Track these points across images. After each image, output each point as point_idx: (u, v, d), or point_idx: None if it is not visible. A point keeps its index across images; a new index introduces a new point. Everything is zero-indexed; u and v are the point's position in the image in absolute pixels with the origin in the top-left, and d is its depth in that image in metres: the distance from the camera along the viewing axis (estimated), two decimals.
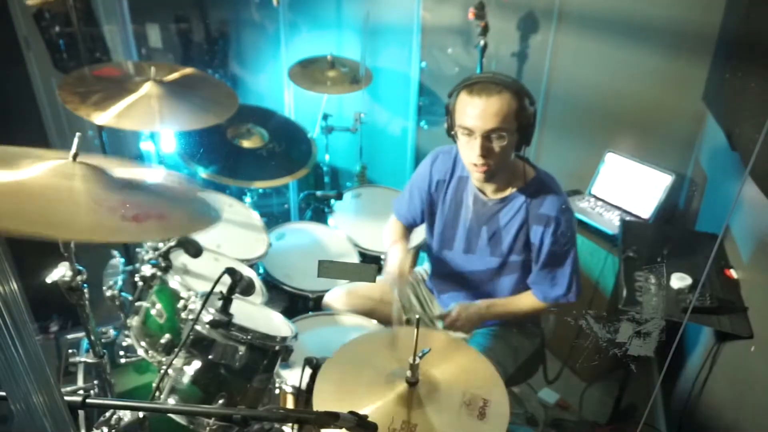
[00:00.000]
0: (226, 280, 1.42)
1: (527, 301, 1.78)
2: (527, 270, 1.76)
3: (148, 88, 2.01)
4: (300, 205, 3.22)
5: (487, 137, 1.54)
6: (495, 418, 1.22)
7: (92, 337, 1.56)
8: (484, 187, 1.73)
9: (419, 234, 2.15)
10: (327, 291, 2.05)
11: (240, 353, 1.48)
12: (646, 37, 2.28)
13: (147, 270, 1.74)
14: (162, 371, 1.49)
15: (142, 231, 1.08)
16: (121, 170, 1.28)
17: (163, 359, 1.62)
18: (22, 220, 0.97)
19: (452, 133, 1.63)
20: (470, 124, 1.54)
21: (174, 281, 1.69)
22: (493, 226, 1.73)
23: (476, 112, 1.52)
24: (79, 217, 1.03)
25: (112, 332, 2.09)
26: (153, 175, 1.41)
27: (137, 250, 1.95)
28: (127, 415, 1.64)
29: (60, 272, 1.37)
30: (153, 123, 2.00)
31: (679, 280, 1.74)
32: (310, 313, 1.97)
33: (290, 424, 1.49)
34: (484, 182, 1.69)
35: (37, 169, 1.11)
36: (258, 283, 2.03)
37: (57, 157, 1.17)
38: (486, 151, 1.55)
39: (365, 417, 0.98)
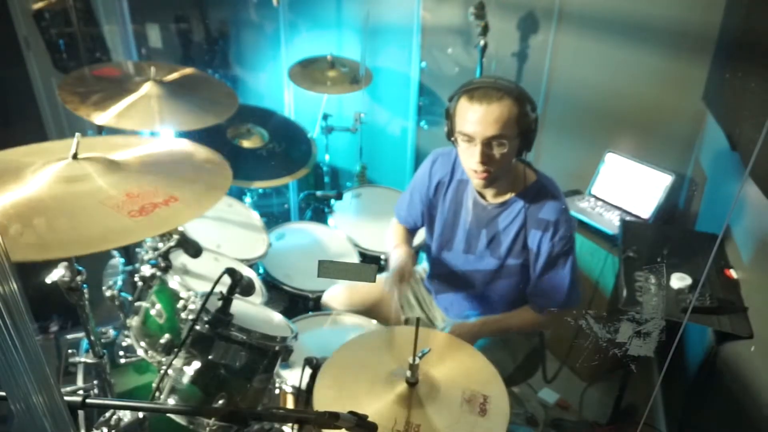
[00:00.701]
0: (226, 280, 1.42)
1: (523, 315, 1.76)
2: (526, 273, 1.75)
3: (148, 88, 2.02)
4: (300, 205, 3.22)
5: (487, 144, 1.52)
6: (496, 414, 1.22)
7: (92, 337, 1.56)
8: (484, 192, 1.73)
9: (419, 234, 2.15)
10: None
11: (240, 353, 1.48)
12: (646, 37, 2.28)
13: (147, 270, 1.75)
14: (162, 371, 1.49)
15: (152, 224, 1.07)
16: (121, 152, 1.27)
17: (163, 359, 1.62)
18: (33, 247, 0.96)
19: (452, 138, 1.62)
20: (470, 131, 1.52)
21: (174, 281, 1.69)
22: (493, 229, 1.73)
23: (476, 119, 1.50)
24: (87, 229, 1.03)
25: (112, 332, 2.10)
26: (154, 149, 1.39)
27: (137, 250, 1.96)
28: (127, 415, 1.65)
29: (60, 272, 1.38)
30: (153, 123, 2.01)
31: (679, 280, 1.74)
32: (310, 313, 1.97)
33: (290, 424, 1.49)
34: (484, 188, 1.69)
35: (40, 179, 1.11)
36: (258, 283, 2.03)
37: (57, 158, 1.17)
38: (486, 158, 1.54)
39: (365, 417, 0.98)
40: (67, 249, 1.02)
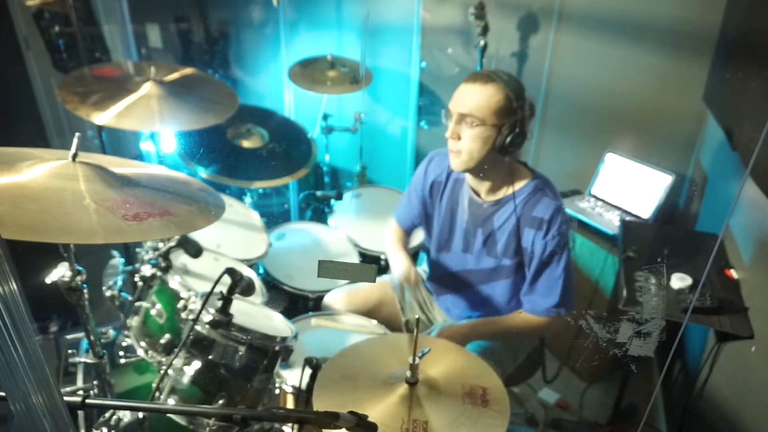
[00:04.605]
0: (226, 280, 1.42)
1: (517, 318, 1.75)
2: (524, 272, 1.74)
3: (148, 88, 2.01)
4: (300, 205, 3.21)
5: (459, 121, 1.57)
6: (497, 404, 1.23)
7: (92, 338, 1.56)
8: (478, 187, 1.73)
9: (419, 235, 2.15)
10: (327, 291, 2.05)
11: (240, 353, 1.48)
12: (646, 37, 2.28)
13: (147, 270, 1.74)
14: (162, 371, 1.48)
15: (144, 230, 1.07)
16: (122, 168, 1.29)
17: (163, 359, 1.62)
18: (22, 227, 0.97)
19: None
20: (451, 107, 1.59)
21: (174, 281, 1.69)
22: (488, 228, 1.73)
23: (458, 96, 1.58)
24: (79, 221, 1.03)
25: (111, 332, 2.09)
26: (154, 171, 1.41)
27: (137, 250, 1.95)
28: (126, 416, 1.65)
29: (60, 272, 1.37)
30: (153, 123, 2.00)
31: (679, 281, 1.74)
32: (310, 313, 1.97)
33: (290, 424, 1.49)
34: (466, 176, 1.70)
35: (36, 171, 1.11)
36: (258, 283, 2.03)
37: (56, 158, 1.17)
38: (455, 135, 1.59)
39: (365, 417, 0.97)
40: (57, 235, 1.02)
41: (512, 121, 1.55)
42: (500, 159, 1.62)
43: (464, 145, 1.58)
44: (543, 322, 1.70)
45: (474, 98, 1.54)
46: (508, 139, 1.56)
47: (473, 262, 1.80)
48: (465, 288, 1.85)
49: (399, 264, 1.83)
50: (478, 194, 1.74)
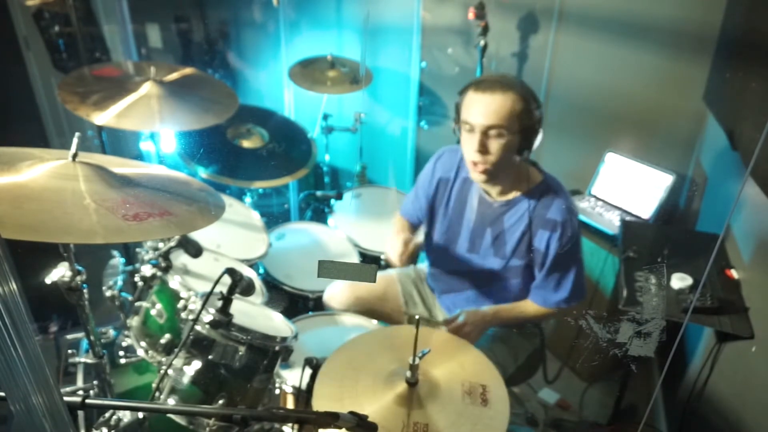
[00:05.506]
0: (226, 280, 1.42)
1: (532, 306, 1.77)
2: (530, 273, 1.75)
3: (148, 88, 2.01)
4: (300, 205, 3.21)
5: (485, 133, 1.55)
6: (497, 402, 1.23)
7: (92, 338, 1.56)
8: (489, 189, 1.73)
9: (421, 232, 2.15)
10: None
11: (240, 353, 1.48)
12: (646, 37, 2.28)
13: (147, 270, 1.75)
14: (162, 371, 1.48)
15: (144, 230, 1.07)
16: (122, 168, 1.29)
17: (163, 359, 1.62)
18: (22, 227, 0.96)
19: (456, 127, 1.65)
20: (471, 119, 1.56)
21: (174, 281, 1.69)
22: (498, 228, 1.73)
23: (479, 108, 1.55)
24: (79, 221, 1.03)
25: (112, 332, 2.10)
26: (154, 171, 1.41)
27: (137, 250, 1.96)
28: (126, 416, 1.65)
29: (59, 272, 1.37)
30: (153, 123, 2.00)
31: (679, 281, 1.74)
32: (310, 313, 1.97)
33: (290, 424, 1.49)
34: (484, 183, 1.69)
35: (36, 171, 1.11)
36: (258, 283, 2.03)
37: (56, 158, 1.17)
38: (483, 148, 1.56)
39: (365, 417, 0.97)
40: (57, 235, 1.02)
41: (532, 124, 1.57)
42: (515, 161, 1.63)
43: (493, 158, 1.57)
44: (553, 311, 1.75)
45: (498, 109, 1.53)
46: (528, 141, 1.59)
47: (478, 262, 1.80)
48: (467, 288, 1.85)
49: (393, 237, 1.84)
50: (488, 194, 1.74)
